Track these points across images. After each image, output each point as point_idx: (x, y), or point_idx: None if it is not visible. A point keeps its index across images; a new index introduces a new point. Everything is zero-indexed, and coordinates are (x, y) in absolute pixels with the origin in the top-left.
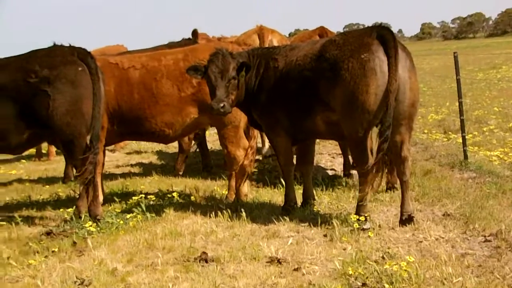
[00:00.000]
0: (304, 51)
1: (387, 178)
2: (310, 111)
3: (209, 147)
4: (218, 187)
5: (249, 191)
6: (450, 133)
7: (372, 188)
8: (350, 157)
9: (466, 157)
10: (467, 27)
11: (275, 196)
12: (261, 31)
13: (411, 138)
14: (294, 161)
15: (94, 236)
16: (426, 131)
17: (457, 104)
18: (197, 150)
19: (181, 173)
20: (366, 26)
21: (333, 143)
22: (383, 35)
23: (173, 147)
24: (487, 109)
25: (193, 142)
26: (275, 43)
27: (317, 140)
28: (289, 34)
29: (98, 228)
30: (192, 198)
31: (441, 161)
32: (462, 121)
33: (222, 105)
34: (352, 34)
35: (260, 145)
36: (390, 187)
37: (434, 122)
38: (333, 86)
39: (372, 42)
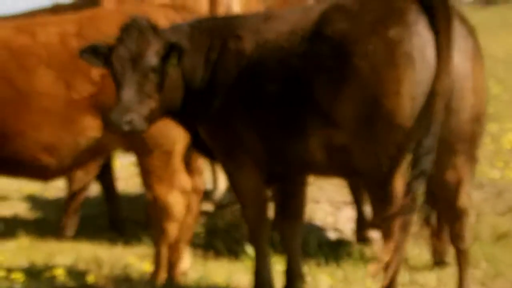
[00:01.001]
0: (290, 24)
1: (433, 245)
2: (299, 127)
3: (120, 189)
4: (136, 259)
5: (190, 266)
6: None
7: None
8: (367, 208)
9: None
10: None
11: (236, 274)
12: None
13: (473, 176)
14: (270, 215)
15: None
16: (499, 164)
17: None
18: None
19: (70, 233)
20: None
21: (337, 184)
22: None
23: (57, 188)
24: None
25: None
26: (237, 9)
27: (311, 179)
28: None
29: None
30: (90, 278)
31: None
32: None
33: (128, 118)
34: None
35: (209, 185)
36: (438, 261)
37: None
38: (339, 84)
39: (407, 8)
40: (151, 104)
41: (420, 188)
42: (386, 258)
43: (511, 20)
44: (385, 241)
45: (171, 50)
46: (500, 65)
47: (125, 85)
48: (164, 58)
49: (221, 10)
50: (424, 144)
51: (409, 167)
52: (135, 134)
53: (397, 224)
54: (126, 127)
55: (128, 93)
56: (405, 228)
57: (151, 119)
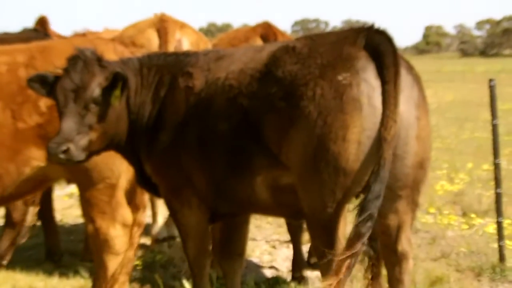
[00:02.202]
0: (240, 63)
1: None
2: (245, 167)
3: (58, 219)
4: None
5: None
6: (473, 215)
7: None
8: (304, 247)
9: (502, 258)
10: (502, 38)
11: None
12: (162, 25)
13: (414, 221)
14: (211, 250)
15: None
16: (432, 210)
17: (485, 166)
18: (39, 224)
19: (5, 262)
20: (334, 26)
21: (274, 223)
22: (376, 44)
23: None
24: None
25: (31, 210)
26: (187, 46)
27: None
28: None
29: None
30: None
31: (460, 263)
32: (497, 196)
33: (64, 147)
34: (324, 39)
35: (148, 219)
36: None
37: (446, 196)
38: (287, 126)
39: (357, 55)
40: (91, 135)
41: (369, 232)
42: None
43: (442, 69)
44: (328, 278)
45: (114, 81)
46: (432, 114)
47: (66, 115)
48: (107, 90)
49: (170, 46)
50: (373, 189)
51: (357, 211)
52: (72, 164)
53: (343, 264)
54: (62, 156)
55: (68, 123)
56: (349, 268)
57: (90, 150)
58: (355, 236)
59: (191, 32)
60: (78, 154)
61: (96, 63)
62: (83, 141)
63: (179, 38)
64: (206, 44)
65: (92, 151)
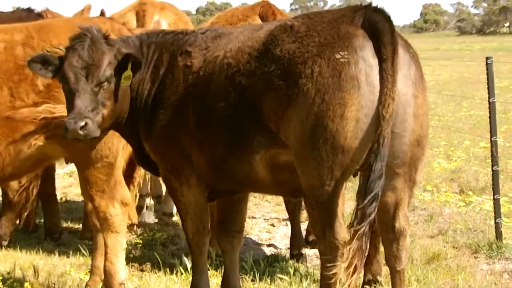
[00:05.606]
0: (238, 42)
1: (366, 264)
2: (243, 145)
3: (58, 198)
4: (73, 268)
5: (127, 278)
6: (470, 193)
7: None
8: (302, 225)
9: (499, 235)
10: (498, 16)
11: (173, 287)
12: (141, 7)
13: (411, 198)
14: (209, 228)
15: None
16: (430, 187)
17: (482, 144)
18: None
19: (5, 242)
20: (332, 4)
21: (273, 200)
22: (373, 23)
23: None
24: None
25: (31, 189)
26: (165, 27)
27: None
28: (197, 11)
29: None
30: (27, 286)
31: (457, 240)
32: (494, 173)
33: (82, 123)
34: (322, 17)
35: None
36: (369, 281)
37: (443, 174)
38: (285, 104)
39: (355, 33)
40: (104, 112)
41: (375, 212)
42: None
43: (443, 49)
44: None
45: (126, 61)
46: (429, 92)
47: (79, 93)
48: (119, 69)
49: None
50: (375, 168)
51: (360, 192)
52: (86, 139)
53: (354, 248)
54: (81, 132)
55: (82, 100)
56: (362, 251)
57: (103, 126)
58: (361, 218)
59: (170, 14)
60: (95, 130)
61: (104, 41)
62: (98, 117)
63: (157, 20)
64: (186, 25)
65: (103, 128)
